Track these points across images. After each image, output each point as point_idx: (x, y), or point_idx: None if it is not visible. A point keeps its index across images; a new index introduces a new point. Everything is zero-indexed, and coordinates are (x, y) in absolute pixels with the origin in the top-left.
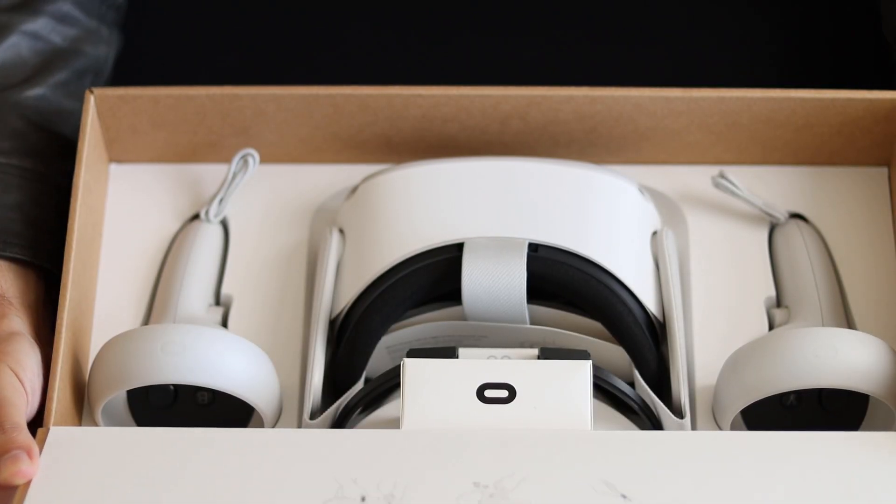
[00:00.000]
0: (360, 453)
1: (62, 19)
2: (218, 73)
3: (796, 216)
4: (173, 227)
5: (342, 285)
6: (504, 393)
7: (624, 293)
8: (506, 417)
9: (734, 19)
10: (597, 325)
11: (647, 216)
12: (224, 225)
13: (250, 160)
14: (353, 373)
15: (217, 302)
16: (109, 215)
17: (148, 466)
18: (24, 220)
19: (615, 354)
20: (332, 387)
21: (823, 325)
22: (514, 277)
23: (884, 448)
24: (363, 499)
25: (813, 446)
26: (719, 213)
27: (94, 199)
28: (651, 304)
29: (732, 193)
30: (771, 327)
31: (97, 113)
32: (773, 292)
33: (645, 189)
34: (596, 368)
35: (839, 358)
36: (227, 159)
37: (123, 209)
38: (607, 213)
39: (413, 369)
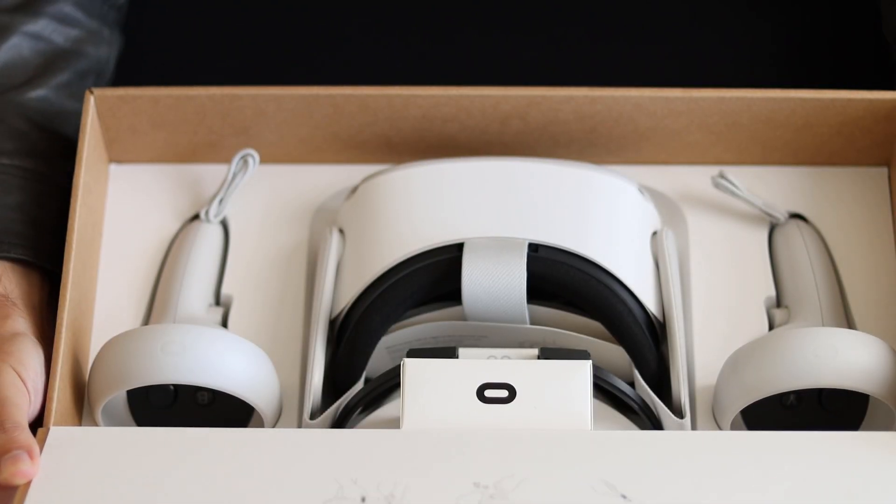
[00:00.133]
0: (360, 453)
1: (63, 20)
2: (218, 73)
3: (796, 216)
4: (173, 227)
5: (342, 285)
6: (504, 393)
7: (624, 293)
8: (506, 417)
9: (734, 19)
10: (597, 325)
11: (647, 216)
12: (224, 225)
13: (250, 160)
14: (353, 373)
15: (217, 302)
16: (109, 215)
17: (148, 466)
18: (26, 221)
19: (615, 354)
20: (332, 387)
21: (823, 325)
22: (514, 277)
23: (884, 448)
24: (363, 499)
25: (813, 446)
26: (719, 213)
27: (94, 199)
28: (651, 304)
29: (732, 193)
30: (771, 327)
31: (97, 113)
32: (773, 292)
33: (645, 189)
34: (596, 368)
35: (839, 358)
36: (227, 159)
37: (123, 209)
38: (607, 213)
39: (413, 369)
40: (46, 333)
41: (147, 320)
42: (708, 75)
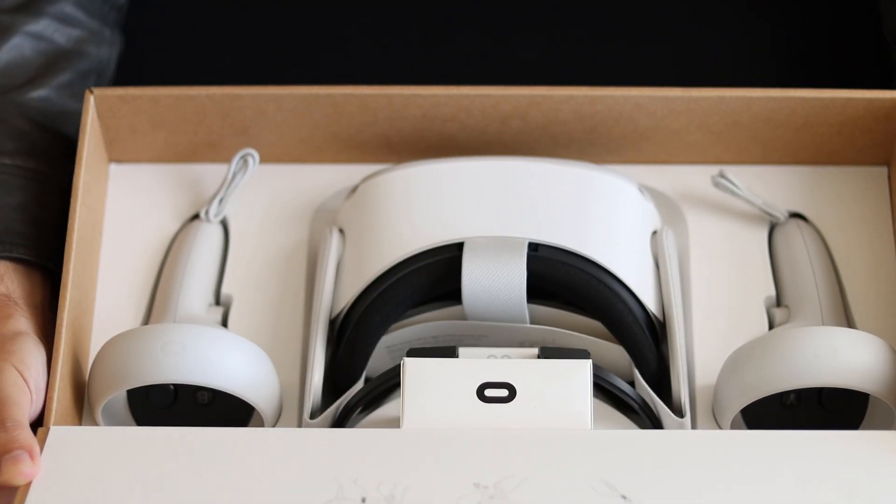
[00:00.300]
0: (360, 453)
1: (64, 20)
2: (218, 73)
3: (796, 216)
4: (173, 227)
5: (342, 285)
6: (504, 392)
7: (624, 292)
8: (506, 417)
9: (734, 19)
10: (597, 325)
11: (647, 216)
12: (224, 225)
13: (250, 160)
14: (353, 372)
15: (217, 302)
16: (109, 215)
17: (148, 466)
18: (28, 221)
19: (615, 354)
20: (332, 386)
21: (823, 325)
22: (514, 277)
23: (884, 447)
24: (363, 500)
25: (813, 446)
26: (719, 213)
27: (94, 199)
28: (651, 303)
29: (732, 193)
30: (771, 327)
31: (97, 113)
32: (773, 292)
33: (645, 189)
34: (596, 368)
35: (839, 357)
36: (227, 159)
37: (123, 209)
38: (607, 212)
39: (413, 369)
40: (48, 333)
41: (147, 320)
42: (708, 75)
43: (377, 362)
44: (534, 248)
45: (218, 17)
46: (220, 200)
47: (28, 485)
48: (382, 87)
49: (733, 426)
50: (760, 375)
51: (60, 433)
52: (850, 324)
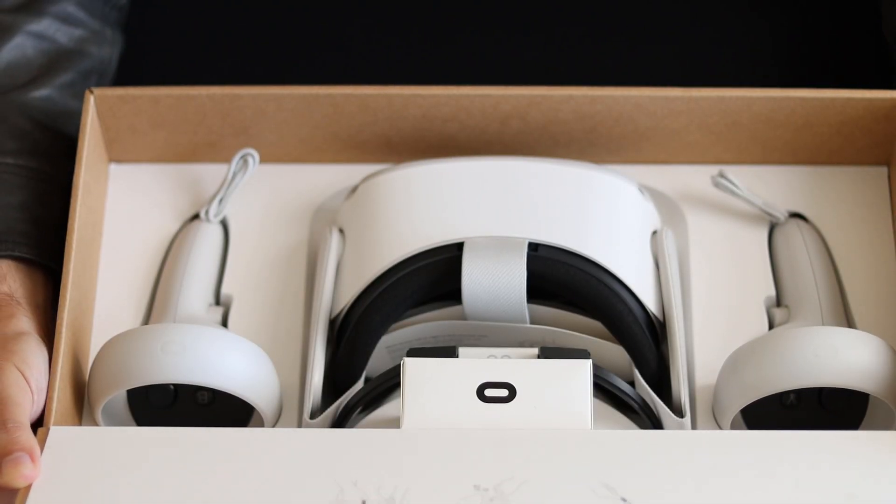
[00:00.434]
0: (360, 453)
1: (66, 20)
2: (218, 73)
3: (796, 216)
4: (173, 227)
5: (342, 285)
6: (504, 392)
7: (624, 292)
8: (506, 416)
9: (734, 19)
10: (597, 325)
11: (647, 216)
12: (224, 225)
13: (250, 160)
14: (353, 372)
15: (217, 302)
16: (109, 215)
17: (148, 466)
18: (29, 220)
19: (615, 354)
20: (332, 386)
21: (823, 325)
22: (514, 277)
23: (884, 448)
24: (363, 503)
25: (813, 446)
26: (719, 213)
27: (94, 199)
28: (651, 303)
29: (732, 193)
30: (771, 327)
31: (97, 113)
32: (773, 292)
33: (645, 189)
34: (596, 368)
35: (839, 357)
36: (227, 159)
37: (123, 209)
38: (607, 212)
39: (413, 369)
40: (50, 332)
41: (147, 320)
42: (708, 75)
43: (377, 362)
44: (534, 248)
45: (218, 17)
46: (220, 200)
47: (28, 485)
48: (382, 87)
49: (733, 426)
50: (760, 375)
51: (60, 433)
52: (850, 324)
